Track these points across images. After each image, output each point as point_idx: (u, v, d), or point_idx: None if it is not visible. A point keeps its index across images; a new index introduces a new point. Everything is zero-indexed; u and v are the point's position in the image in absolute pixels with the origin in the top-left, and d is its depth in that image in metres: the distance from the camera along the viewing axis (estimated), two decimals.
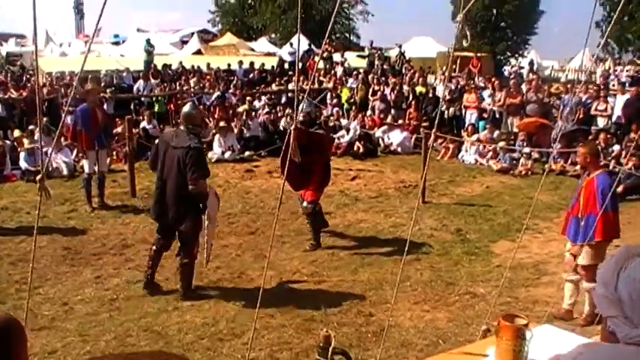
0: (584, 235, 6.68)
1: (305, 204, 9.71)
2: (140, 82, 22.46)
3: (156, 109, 20.38)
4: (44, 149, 14.95)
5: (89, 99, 11.86)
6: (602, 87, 19.27)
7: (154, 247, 7.99)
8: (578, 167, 13.34)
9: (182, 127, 7.76)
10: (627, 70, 33.79)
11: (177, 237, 7.82)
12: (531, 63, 38.42)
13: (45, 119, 16.34)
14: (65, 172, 14.63)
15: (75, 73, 23.39)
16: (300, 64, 26.67)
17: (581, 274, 6.98)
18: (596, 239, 6.61)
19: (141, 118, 18.71)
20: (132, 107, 20.95)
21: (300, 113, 9.82)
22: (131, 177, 12.94)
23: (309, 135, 9.57)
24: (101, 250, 9.50)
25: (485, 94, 19.97)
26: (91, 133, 11.53)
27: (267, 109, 19.78)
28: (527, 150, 15.89)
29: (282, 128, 18.28)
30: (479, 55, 31.14)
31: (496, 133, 17.23)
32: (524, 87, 19.96)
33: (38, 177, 2.91)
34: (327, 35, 3.82)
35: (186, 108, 8.28)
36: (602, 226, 6.54)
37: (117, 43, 43.50)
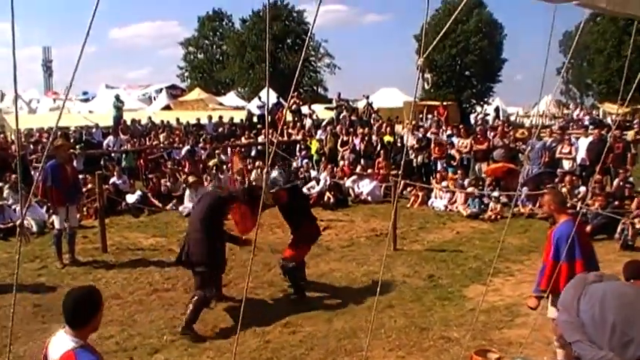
0: (537, 284, 6.64)
1: (282, 262, 9.77)
2: (110, 138, 22.46)
3: (124, 164, 20.35)
4: (13, 207, 14.91)
5: (59, 155, 11.80)
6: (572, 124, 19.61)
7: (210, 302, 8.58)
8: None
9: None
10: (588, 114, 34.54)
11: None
12: (497, 109, 39.12)
13: (14, 176, 16.24)
14: (35, 229, 14.42)
15: (44, 129, 23.36)
16: (270, 117, 26.90)
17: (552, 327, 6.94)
18: (540, 287, 6.48)
19: (110, 173, 18.65)
20: (102, 163, 20.88)
21: (270, 183, 9.79)
22: (102, 232, 12.81)
23: (277, 195, 9.60)
24: None
25: (455, 140, 20.19)
26: (61, 189, 11.49)
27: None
28: (495, 194, 16.06)
29: (252, 181, 18.32)
30: (445, 103, 31.62)
31: (466, 181, 17.39)
32: (490, 133, 20.31)
33: (18, 222, 3.08)
34: (293, 88, 3.89)
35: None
36: (548, 276, 6.31)
37: (86, 100, 43.62)
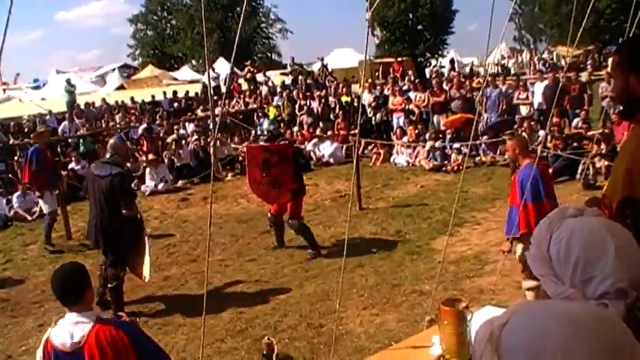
0: (509, 228, 6.74)
1: (290, 221, 9.86)
2: (65, 124, 22.05)
3: (82, 149, 20.03)
4: None
5: (41, 140, 12.22)
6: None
7: (113, 282, 8.14)
8: (507, 157, 13.65)
9: (107, 157, 8.27)
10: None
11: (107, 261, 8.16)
12: (452, 61, 39.15)
13: None
14: None
15: None
16: (225, 88, 26.67)
17: (519, 269, 7.06)
18: (520, 231, 6.55)
19: (69, 159, 18.36)
20: (59, 150, 20.53)
21: (264, 132, 10.19)
22: (65, 220, 12.66)
23: (264, 148, 9.76)
24: (41, 298, 9.23)
25: (411, 95, 20.16)
26: (45, 173, 11.69)
27: (195, 137, 19.62)
28: (456, 145, 16.12)
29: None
30: (399, 59, 31.59)
31: (427, 135, 17.42)
32: (446, 85, 20.34)
33: None
34: (233, 54, 3.82)
35: (112, 140, 8.81)
36: (524, 218, 6.48)
37: (37, 88, 42.70)
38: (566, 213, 1.65)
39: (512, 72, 26.18)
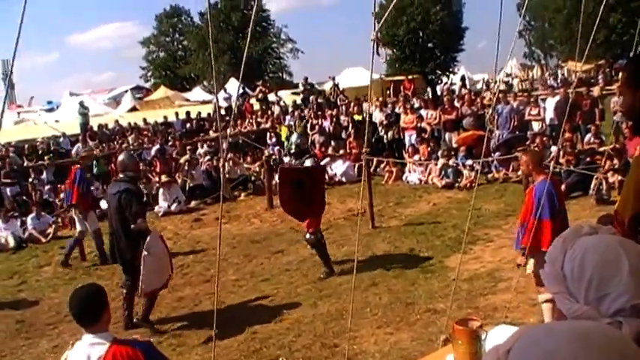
0: (518, 242, 6.72)
1: (307, 236, 9.88)
2: (78, 146, 22.16)
3: (95, 170, 20.14)
4: None
5: (83, 162, 12.69)
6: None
7: (124, 291, 8.55)
8: (519, 173, 13.61)
9: (120, 176, 8.57)
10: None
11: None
12: (462, 78, 39.14)
13: None
14: (12, 244, 14.38)
15: (11, 144, 23.08)
16: (236, 108, 26.76)
17: (533, 282, 7.02)
18: (521, 244, 6.55)
19: None
20: None
21: (291, 145, 10.36)
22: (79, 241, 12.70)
23: (297, 171, 9.88)
24: (56, 319, 9.28)
25: (423, 113, 20.16)
26: (88, 195, 12.30)
27: (208, 157, 19.68)
28: (469, 162, 16.10)
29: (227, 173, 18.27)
30: (410, 77, 31.62)
31: (439, 152, 17.39)
32: (457, 102, 20.34)
33: None
34: (241, 73, 3.82)
35: (120, 156, 9.04)
36: (532, 234, 6.32)
37: (51, 110, 43.03)
38: (581, 231, 1.66)
39: (516, 90, 26.10)
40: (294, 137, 10.55)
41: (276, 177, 10.26)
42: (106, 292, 3.83)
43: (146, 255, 8.05)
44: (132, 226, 8.15)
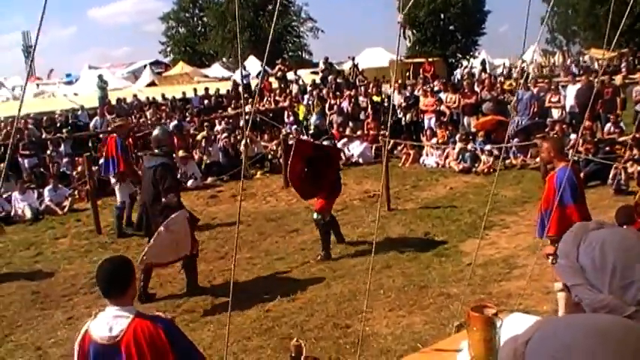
0: (543, 230, 6.57)
1: (315, 216, 9.96)
2: (96, 119, 22.26)
3: None
4: (6, 195, 14.89)
5: (120, 132, 12.60)
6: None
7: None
8: (537, 160, 13.53)
9: (155, 150, 8.77)
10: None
11: None
12: (483, 63, 38.90)
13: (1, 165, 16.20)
14: (29, 215, 14.44)
15: (30, 115, 23.16)
16: (259, 86, 26.74)
17: (549, 270, 6.99)
18: (549, 233, 6.39)
19: (99, 154, 18.53)
20: (90, 145, 20.74)
21: (310, 125, 10.52)
22: (95, 215, 12.78)
23: (315, 147, 9.94)
24: (71, 291, 9.36)
25: (442, 96, 20.08)
26: (130, 163, 12.39)
27: (225, 134, 19.68)
28: (487, 147, 16.02)
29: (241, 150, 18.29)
30: (430, 60, 31.41)
31: (457, 136, 17.31)
32: (477, 87, 20.21)
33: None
34: (266, 52, 3.82)
35: (155, 131, 9.23)
36: (558, 221, 6.31)
37: (70, 83, 43.21)
38: (588, 227, 1.66)
39: (531, 77, 25.87)
40: (313, 118, 10.65)
41: (292, 149, 10.25)
42: (134, 266, 3.85)
43: (163, 230, 8.13)
44: (162, 200, 8.35)
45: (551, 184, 6.57)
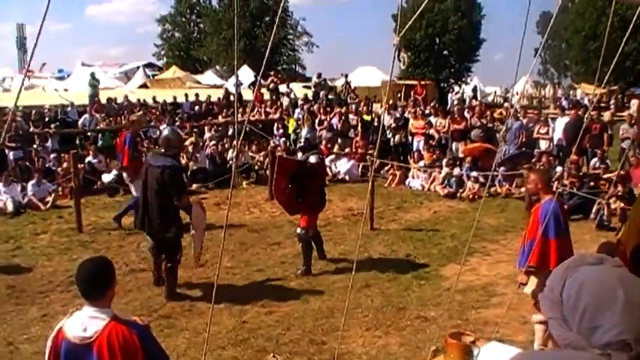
0: (525, 261, 6.54)
1: (299, 230, 9.94)
2: (85, 117, 22.15)
3: (100, 144, 20.17)
4: None
5: (134, 129, 12.69)
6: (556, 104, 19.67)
7: (152, 251, 9.28)
8: (522, 190, 13.62)
9: (161, 149, 8.94)
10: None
11: (162, 244, 8.87)
12: (474, 90, 39.12)
13: None
14: (11, 208, 14.31)
15: (19, 108, 23.01)
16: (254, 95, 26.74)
17: (527, 301, 7.01)
18: (529, 264, 6.39)
19: (86, 152, 18.47)
20: (77, 142, 20.65)
21: (301, 138, 10.58)
22: (77, 212, 12.69)
23: (299, 164, 9.99)
24: (47, 288, 9.29)
25: (432, 120, 20.15)
26: (139, 161, 12.09)
27: (214, 142, 19.68)
28: (473, 174, 16.08)
29: (229, 160, 18.29)
30: (422, 82, 31.55)
31: (444, 160, 17.36)
32: (467, 113, 20.33)
33: None
34: (264, 62, 3.83)
35: (165, 132, 9.61)
36: (539, 253, 6.36)
37: (61, 78, 42.97)
38: (584, 260, 1.67)
39: (520, 106, 26.04)
40: (304, 131, 10.69)
41: (276, 167, 10.34)
42: (114, 268, 3.82)
43: (193, 232, 8.86)
44: (175, 202, 8.52)
45: (536, 215, 6.61)
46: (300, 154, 10.95)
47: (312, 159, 9.91)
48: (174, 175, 8.54)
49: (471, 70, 50.17)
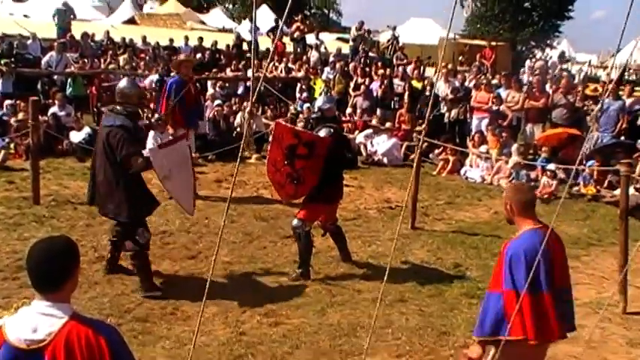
0: (484, 324, 5.48)
1: (295, 222, 9.90)
2: (52, 55, 22.19)
3: (69, 91, 20.21)
4: None
5: (182, 71, 13.37)
6: None
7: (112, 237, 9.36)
8: (616, 192, 13.46)
9: (117, 107, 8.87)
10: None
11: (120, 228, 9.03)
12: (562, 56, 38.57)
13: None
14: None
15: None
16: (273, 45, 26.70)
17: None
18: (510, 335, 5.17)
19: (51, 101, 18.52)
20: (39, 87, 20.70)
21: (316, 107, 10.42)
22: (35, 178, 12.65)
23: (297, 134, 9.84)
24: None
25: (502, 93, 19.93)
26: (183, 110, 12.93)
27: (219, 101, 19.66)
28: (551, 167, 15.96)
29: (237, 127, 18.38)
30: (493, 43, 31.24)
31: (514, 146, 17.27)
32: (549, 87, 20.12)
33: None
34: (289, 3, 3.86)
35: (121, 83, 9.45)
36: (519, 315, 5.15)
37: (20, 0, 42.85)
38: None
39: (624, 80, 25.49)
40: (320, 100, 10.53)
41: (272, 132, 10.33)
42: (78, 253, 3.73)
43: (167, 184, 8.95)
44: (130, 170, 8.54)
45: (500, 258, 5.59)
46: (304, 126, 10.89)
47: (322, 133, 9.84)
48: (120, 137, 8.48)
49: (559, 31, 49.31)
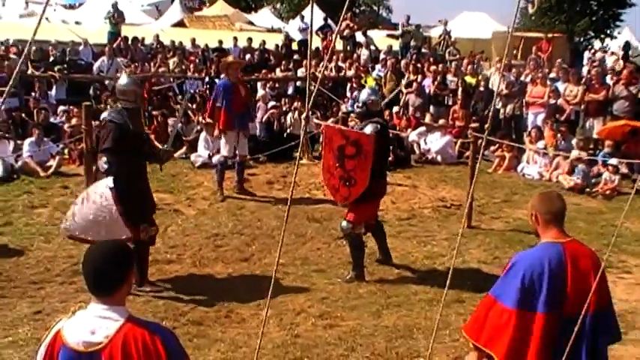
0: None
1: (344, 224, 9.91)
2: (102, 60, 22.43)
3: None
4: None
5: (230, 73, 13.55)
6: None
7: None
8: None
9: (118, 105, 9.14)
10: None
11: None
12: (626, 46, 37.75)
13: None
14: (0, 172, 14.51)
15: (10, 42, 23.09)
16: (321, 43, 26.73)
17: None
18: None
19: (102, 106, 18.71)
20: (91, 92, 20.91)
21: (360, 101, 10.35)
22: (88, 183, 12.66)
23: (345, 134, 9.84)
24: (43, 277, 9.51)
25: (560, 87, 19.74)
26: (232, 112, 13.05)
27: (273, 103, 19.69)
28: (613, 162, 15.77)
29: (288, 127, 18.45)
30: (550, 35, 30.87)
31: (574, 140, 17.10)
32: (610, 79, 19.87)
33: None
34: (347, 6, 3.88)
35: (121, 80, 9.57)
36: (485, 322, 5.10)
37: (72, 7, 43.16)
38: None
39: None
40: (364, 93, 10.39)
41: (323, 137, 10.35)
42: (133, 256, 3.85)
43: (85, 198, 8.63)
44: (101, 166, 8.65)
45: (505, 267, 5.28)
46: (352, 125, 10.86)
47: (368, 129, 9.79)
48: (107, 130, 8.64)
49: (621, 19, 48.20)
